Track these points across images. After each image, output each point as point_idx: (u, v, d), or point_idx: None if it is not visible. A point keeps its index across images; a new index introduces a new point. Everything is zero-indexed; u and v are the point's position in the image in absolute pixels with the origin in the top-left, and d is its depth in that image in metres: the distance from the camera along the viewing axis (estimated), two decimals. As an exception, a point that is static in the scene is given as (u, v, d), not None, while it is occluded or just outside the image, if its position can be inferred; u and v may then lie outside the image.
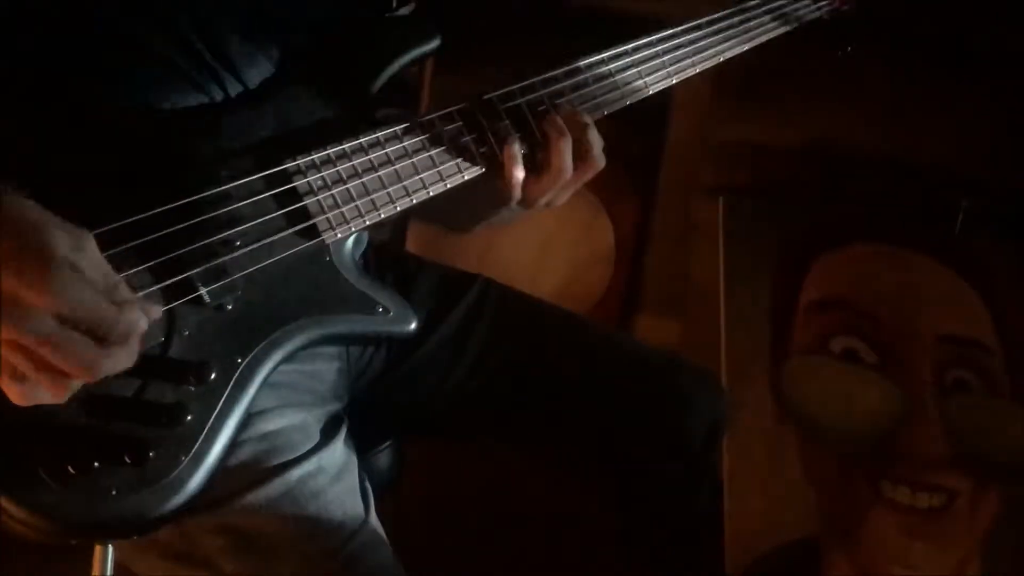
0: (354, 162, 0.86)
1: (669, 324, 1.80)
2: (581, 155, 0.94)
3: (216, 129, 0.83)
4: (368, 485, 0.92)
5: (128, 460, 0.73)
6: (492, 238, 1.81)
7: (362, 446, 0.99)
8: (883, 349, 1.61)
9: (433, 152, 0.90)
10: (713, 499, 1.48)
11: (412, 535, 0.98)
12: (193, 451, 0.76)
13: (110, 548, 0.85)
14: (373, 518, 0.90)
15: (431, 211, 1.02)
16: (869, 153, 1.69)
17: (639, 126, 1.78)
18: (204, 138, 0.82)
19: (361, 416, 1.01)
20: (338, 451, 0.90)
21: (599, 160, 0.95)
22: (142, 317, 0.68)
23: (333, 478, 0.88)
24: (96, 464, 0.72)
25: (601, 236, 1.81)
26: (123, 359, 0.67)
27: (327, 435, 0.90)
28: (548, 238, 1.82)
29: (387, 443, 1.06)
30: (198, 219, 0.78)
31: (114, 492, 0.73)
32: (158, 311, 0.73)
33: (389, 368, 1.10)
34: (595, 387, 1.12)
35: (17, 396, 0.66)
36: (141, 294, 0.74)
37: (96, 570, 0.84)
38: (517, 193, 0.94)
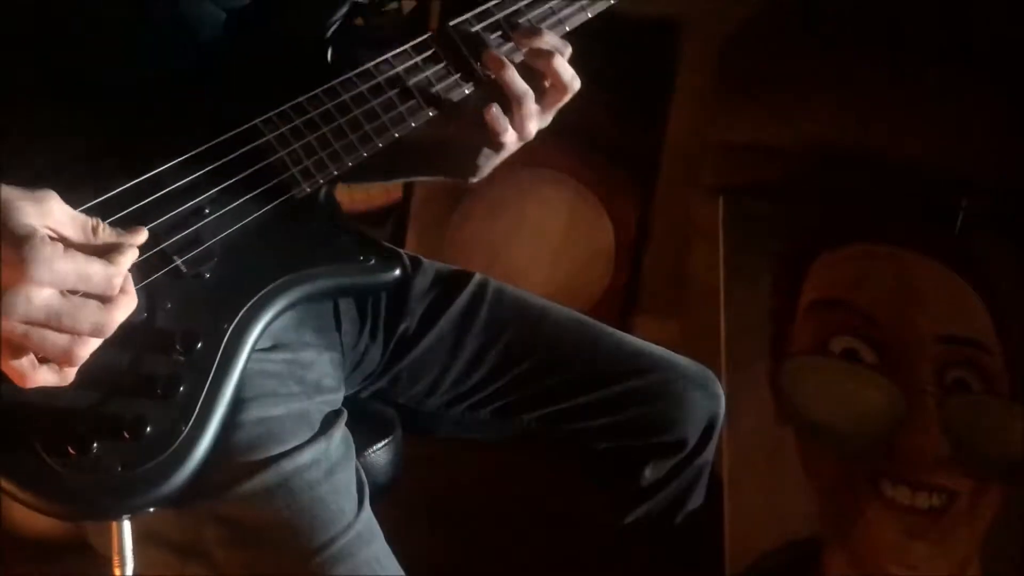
0: (312, 114, 0.85)
1: (669, 324, 1.80)
2: (550, 80, 0.92)
3: (171, 97, 0.82)
4: (364, 478, 0.92)
5: (127, 436, 0.73)
6: (492, 238, 1.82)
7: (361, 443, 0.99)
8: (883, 349, 1.60)
9: (393, 93, 0.89)
10: (712, 498, 1.48)
11: (412, 535, 0.98)
12: (192, 421, 0.76)
13: (127, 525, 0.85)
14: (367, 511, 0.90)
15: (429, 166, 1.01)
16: (869, 153, 1.69)
17: (639, 125, 1.78)
18: (160, 108, 0.81)
19: (360, 413, 1.01)
20: (335, 443, 0.90)
21: (570, 82, 0.93)
22: (132, 251, 0.69)
23: (329, 470, 0.88)
24: (95, 444, 0.72)
25: (601, 236, 1.81)
26: (129, 304, 0.68)
27: (325, 427, 0.90)
28: (548, 238, 1.82)
29: (386, 440, 1.06)
30: (164, 191, 0.78)
31: (119, 469, 0.73)
32: (143, 234, 0.72)
33: (386, 365, 1.10)
34: (592, 383, 1.12)
35: (20, 378, 0.66)
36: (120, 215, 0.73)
37: (115, 548, 0.85)
38: (507, 136, 0.92)
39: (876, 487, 1.56)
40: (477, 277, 1.15)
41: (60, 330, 0.65)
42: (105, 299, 0.66)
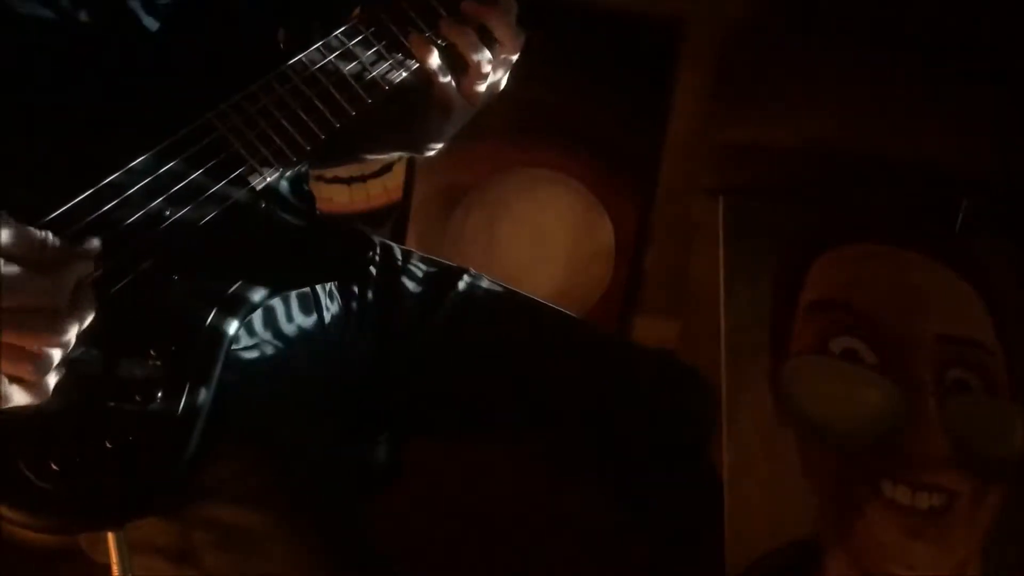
0: (264, 102, 0.84)
1: (669, 324, 1.80)
2: (498, 38, 0.91)
3: (119, 98, 0.81)
4: (355, 475, 0.92)
5: (109, 445, 0.73)
6: (492, 238, 1.81)
7: (358, 437, 0.99)
8: (883, 349, 1.60)
9: (346, 70, 0.88)
10: (712, 499, 1.48)
11: (411, 535, 0.98)
12: (173, 426, 0.75)
13: (123, 536, 0.85)
14: (358, 509, 0.90)
15: (388, 142, 1.00)
16: (869, 153, 1.69)
17: (639, 126, 1.78)
18: (109, 110, 0.80)
19: (356, 407, 1.00)
20: (324, 441, 0.90)
21: (516, 37, 0.92)
22: (84, 264, 0.68)
23: (319, 468, 0.87)
24: (77, 458, 0.71)
25: (601, 236, 1.81)
26: (84, 312, 0.67)
27: (313, 424, 0.90)
28: (548, 238, 1.82)
29: (383, 436, 1.06)
30: (123, 195, 0.77)
31: (104, 480, 0.72)
32: (95, 246, 0.71)
33: (378, 362, 1.09)
34: (584, 385, 1.12)
35: None
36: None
37: (113, 559, 0.85)
38: (454, 98, 0.91)
39: (876, 487, 1.55)
40: (467, 272, 1.15)
41: (10, 344, 0.64)
42: (53, 311, 0.65)
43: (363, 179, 1.82)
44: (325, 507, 0.87)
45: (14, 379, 0.65)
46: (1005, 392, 1.59)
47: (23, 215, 0.70)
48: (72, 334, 0.67)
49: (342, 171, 1.80)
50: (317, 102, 0.86)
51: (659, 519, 1.20)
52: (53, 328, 0.65)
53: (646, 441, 1.15)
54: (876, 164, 1.68)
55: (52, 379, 0.67)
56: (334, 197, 1.81)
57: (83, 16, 0.83)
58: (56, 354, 0.66)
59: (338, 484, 0.90)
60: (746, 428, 1.59)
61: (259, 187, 0.84)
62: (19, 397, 0.66)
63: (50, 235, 0.68)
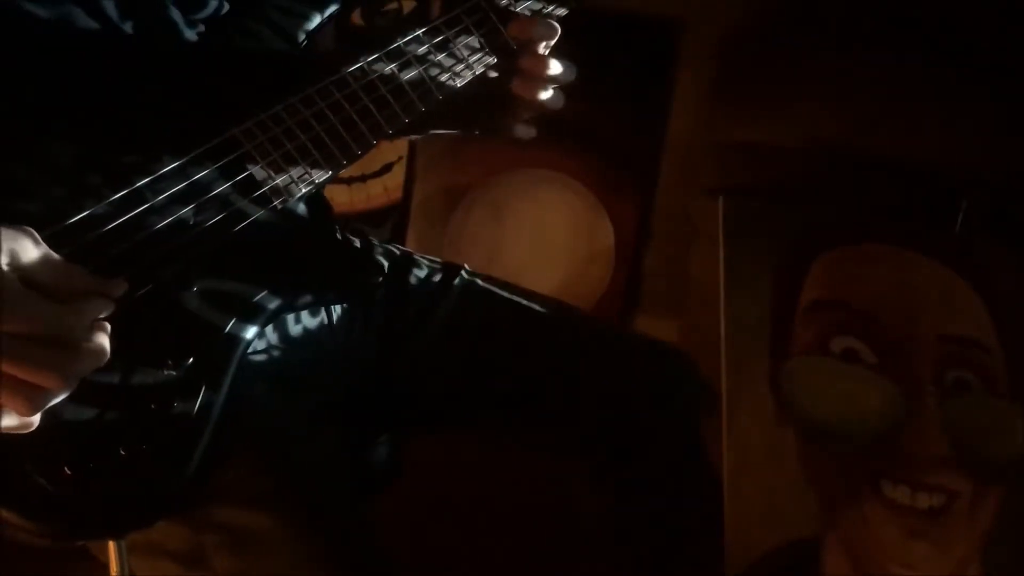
0: (290, 123, 0.85)
1: (669, 324, 1.80)
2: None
3: (150, 109, 0.81)
4: (359, 477, 0.93)
5: (123, 453, 0.73)
6: (492, 238, 1.81)
7: (359, 438, 0.99)
8: (883, 349, 1.60)
9: (369, 99, 0.88)
10: (712, 499, 1.48)
11: (412, 535, 0.98)
12: (187, 435, 0.75)
13: (123, 543, 0.85)
14: (363, 512, 0.90)
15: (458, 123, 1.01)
16: (869, 153, 1.69)
17: (639, 126, 1.78)
18: (138, 121, 0.80)
19: (358, 408, 1.01)
20: (330, 442, 0.90)
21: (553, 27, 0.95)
22: (106, 303, 0.67)
23: (324, 469, 0.88)
24: (91, 464, 0.72)
25: (601, 236, 1.81)
26: (96, 355, 0.65)
27: (319, 426, 0.90)
28: (548, 238, 1.82)
29: (386, 435, 1.06)
30: (146, 205, 0.77)
31: (115, 487, 0.73)
32: (121, 286, 0.71)
33: (382, 360, 1.10)
34: (582, 383, 1.12)
35: None
36: None
37: (113, 569, 0.85)
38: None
39: (876, 487, 1.56)
40: (464, 269, 1.15)
41: (14, 377, 0.61)
42: (70, 346, 0.63)
43: (363, 179, 1.82)
44: (329, 508, 0.87)
45: (3, 408, 0.62)
46: (1005, 392, 1.59)
47: (52, 216, 0.70)
48: (77, 376, 0.64)
49: (342, 171, 1.80)
50: (340, 128, 0.87)
51: (659, 518, 1.21)
52: (60, 365, 0.63)
53: (643, 434, 1.15)
54: (876, 164, 1.68)
55: (38, 418, 0.64)
56: (334, 197, 1.80)
57: (128, 27, 0.84)
58: (55, 394, 0.64)
59: (341, 485, 0.90)
60: (746, 428, 1.59)
61: (280, 207, 0.84)
62: (7, 423, 0.63)
63: (78, 268, 0.67)
